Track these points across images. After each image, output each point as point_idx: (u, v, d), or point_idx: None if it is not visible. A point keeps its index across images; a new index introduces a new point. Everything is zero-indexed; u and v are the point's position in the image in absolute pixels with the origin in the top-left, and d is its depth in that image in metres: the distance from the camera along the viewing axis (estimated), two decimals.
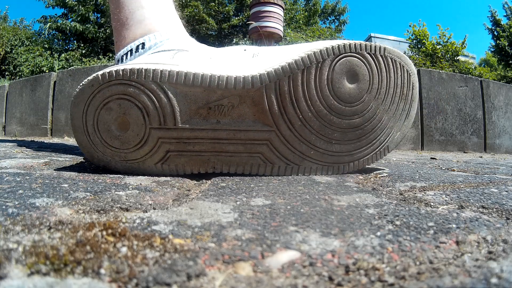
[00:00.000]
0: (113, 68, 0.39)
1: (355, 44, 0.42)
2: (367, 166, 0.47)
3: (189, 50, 0.45)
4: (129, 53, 0.50)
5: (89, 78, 0.39)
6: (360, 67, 0.42)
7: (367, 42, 0.44)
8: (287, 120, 0.40)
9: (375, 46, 0.43)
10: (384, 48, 0.43)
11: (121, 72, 0.38)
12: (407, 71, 0.45)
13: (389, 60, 0.44)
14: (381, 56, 0.43)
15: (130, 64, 0.41)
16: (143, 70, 0.37)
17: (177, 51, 0.45)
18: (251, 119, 0.40)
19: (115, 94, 0.38)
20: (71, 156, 0.63)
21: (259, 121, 0.40)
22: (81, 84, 0.40)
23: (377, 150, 0.46)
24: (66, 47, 5.58)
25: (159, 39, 0.50)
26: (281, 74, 0.39)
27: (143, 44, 0.50)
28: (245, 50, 0.45)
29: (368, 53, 0.42)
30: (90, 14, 5.20)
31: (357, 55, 0.42)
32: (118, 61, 0.52)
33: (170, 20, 0.55)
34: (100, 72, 0.39)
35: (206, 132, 0.39)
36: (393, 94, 0.44)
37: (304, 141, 0.42)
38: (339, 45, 0.41)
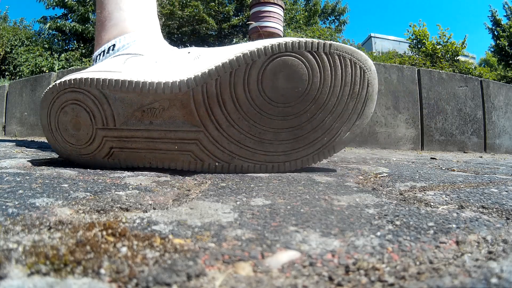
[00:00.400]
0: (67, 78, 0.44)
1: (292, 43, 0.40)
2: (309, 166, 0.46)
3: (143, 55, 0.49)
4: (102, 53, 0.54)
5: (50, 86, 0.46)
6: (296, 66, 0.41)
7: (309, 40, 0.41)
8: (214, 121, 0.42)
9: (318, 43, 0.41)
10: (330, 45, 0.41)
11: (72, 81, 0.44)
12: (360, 67, 0.43)
13: (336, 57, 0.41)
14: (325, 53, 0.41)
15: (82, 73, 0.46)
16: (89, 79, 0.43)
17: (131, 56, 0.49)
18: (180, 120, 0.42)
19: (69, 100, 0.45)
20: None
21: (187, 122, 0.42)
22: (45, 90, 0.46)
23: (319, 150, 0.45)
24: (66, 47, 5.58)
25: (127, 41, 0.52)
26: (207, 78, 0.40)
27: (114, 45, 0.53)
28: (189, 52, 0.47)
29: (309, 52, 0.41)
30: (89, 14, 5.20)
31: (294, 53, 0.40)
32: (94, 60, 0.56)
33: (144, 22, 0.57)
34: (58, 81, 0.45)
35: (141, 132, 0.43)
36: (341, 94, 0.43)
37: (233, 141, 0.43)
38: (272, 44, 0.40)
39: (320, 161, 0.46)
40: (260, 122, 0.42)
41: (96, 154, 0.46)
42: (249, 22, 2.91)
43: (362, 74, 0.43)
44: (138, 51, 0.50)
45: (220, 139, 0.42)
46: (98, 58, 0.54)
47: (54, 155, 0.62)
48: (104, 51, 0.53)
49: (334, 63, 0.42)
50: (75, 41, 5.62)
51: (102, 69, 0.46)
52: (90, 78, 0.43)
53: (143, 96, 0.42)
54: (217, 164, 0.44)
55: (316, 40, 0.41)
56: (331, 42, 0.42)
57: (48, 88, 0.46)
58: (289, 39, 0.41)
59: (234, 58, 0.40)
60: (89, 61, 4.49)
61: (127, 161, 0.45)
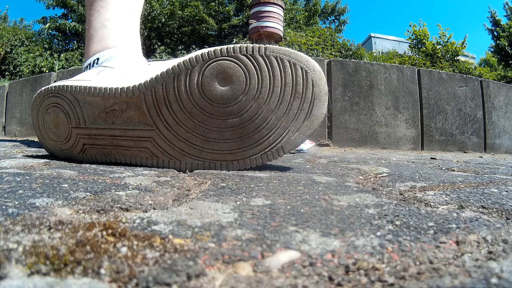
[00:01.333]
0: (52, 84, 0.53)
1: (227, 48, 0.44)
2: (258, 165, 0.47)
3: (114, 68, 0.56)
4: (88, 66, 0.61)
5: (38, 91, 0.54)
6: (233, 69, 0.44)
7: (244, 45, 0.44)
8: (163, 120, 0.47)
9: (253, 47, 0.43)
10: (265, 48, 0.44)
11: (54, 88, 0.52)
12: (301, 68, 0.44)
13: (273, 59, 0.44)
14: (261, 56, 0.44)
15: (63, 81, 0.53)
16: (65, 86, 0.51)
17: (103, 69, 0.56)
18: (136, 120, 0.48)
19: (51, 103, 0.52)
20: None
21: (142, 122, 0.48)
22: (35, 94, 0.54)
23: (267, 150, 0.46)
24: (66, 47, 5.58)
25: (109, 55, 0.60)
26: (154, 83, 0.46)
27: (98, 59, 0.60)
28: (149, 64, 0.55)
29: (244, 55, 0.44)
30: None
31: (229, 58, 0.44)
32: (83, 71, 0.63)
33: (125, 39, 0.64)
34: (44, 88, 0.53)
35: (105, 130, 0.49)
36: (282, 93, 0.44)
37: (181, 139, 0.47)
38: (209, 51, 0.44)
39: (269, 160, 0.47)
40: (203, 121, 0.46)
41: (73, 150, 0.52)
42: (250, 22, 2.91)
43: (304, 74, 0.44)
44: (113, 65, 0.57)
45: (170, 137, 0.47)
46: (86, 69, 0.62)
47: (54, 156, 0.62)
48: (90, 64, 0.61)
49: (271, 65, 0.44)
50: (75, 41, 5.62)
51: (78, 78, 0.54)
52: (66, 85, 0.51)
53: (106, 100, 0.48)
54: (169, 160, 0.48)
55: (251, 45, 0.44)
56: (267, 45, 0.44)
57: (36, 93, 0.54)
58: (226, 46, 0.45)
59: (176, 64, 0.45)
60: None
61: (97, 156, 0.51)
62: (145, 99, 0.46)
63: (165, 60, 0.59)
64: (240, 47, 0.44)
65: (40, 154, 0.63)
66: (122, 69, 0.55)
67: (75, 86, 0.50)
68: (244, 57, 0.44)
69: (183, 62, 0.45)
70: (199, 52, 0.45)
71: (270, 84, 0.44)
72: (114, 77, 0.52)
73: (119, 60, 0.59)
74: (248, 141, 0.46)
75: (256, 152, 0.46)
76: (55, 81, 1.95)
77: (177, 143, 0.47)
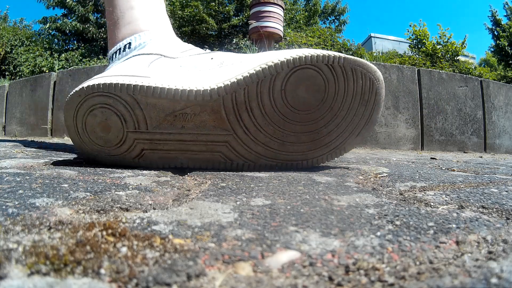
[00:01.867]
0: (95, 82, 0.45)
1: (311, 56, 0.43)
2: (322, 163, 0.50)
3: (164, 55, 0.50)
4: (118, 51, 0.55)
5: (77, 89, 0.45)
6: (315, 78, 0.44)
7: (326, 53, 0.44)
8: (243, 125, 0.45)
9: (333, 57, 0.44)
10: (344, 58, 0.44)
11: (101, 86, 0.44)
12: (369, 78, 0.46)
13: (348, 69, 0.45)
14: (339, 66, 0.44)
15: (108, 76, 0.46)
16: (119, 85, 0.44)
17: (153, 57, 0.50)
18: (211, 125, 0.45)
19: (98, 103, 0.45)
20: (71, 156, 0.63)
21: (218, 127, 0.45)
22: (71, 93, 0.46)
23: (332, 151, 0.49)
24: (66, 47, 5.58)
25: (143, 40, 0.54)
26: (236, 87, 0.43)
27: (130, 43, 0.54)
28: (212, 58, 0.49)
29: (326, 64, 0.44)
30: (89, 14, 5.20)
31: (313, 66, 0.44)
32: (110, 58, 0.57)
33: (156, 21, 0.59)
34: (85, 84, 0.45)
35: (173, 135, 0.45)
36: (352, 101, 0.47)
37: (259, 143, 0.46)
38: (294, 58, 0.43)
39: (332, 159, 0.50)
40: (283, 126, 0.46)
41: (127, 155, 0.47)
42: (250, 22, 2.91)
43: (371, 84, 0.47)
44: (157, 50, 0.51)
45: (248, 142, 0.46)
46: (114, 56, 0.56)
47: (54, 155, 0.62)
48: (120, 49, 0.55)
49: (347, 75, 0.45)
50: (75, 41, 5.62)
51: (128, 73, 0.47)
52: (121, 84, 0.44)
53: (175, 103, 0.43)
54: (244, 164, 0.47)
55: (332, 54, 0.43)
56: (345, 56, 0.45)
57: (74, 91, 0.46)
58: (308, 52, 0.43)
59: (261, 69, 0.43)
60: (89, 61, 4.49)
61: (158, 161, 0.47)
62: (224, 104, 0.43)
63: (226, 52, 0.51)
64: (323, 56, 0.43)
65: (40, 154, 0.63)
66: (179, 61, 0.49)
67: (133, 85, 0.43)
68: (325, 66, 0.44)
69: (268, 67, 0.43)
70: (282, 57, 0.43)
71: (344, 93, 0.46)
72: (175, 72, 0.46)
73: (161, 45, 0.53)
74: (319, 144, 0.48)
75: (323, 153, 0.49)
76: (60, 76, 1.96)
77: (254, 147, 0.46)
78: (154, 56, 0.50)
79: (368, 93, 0.47)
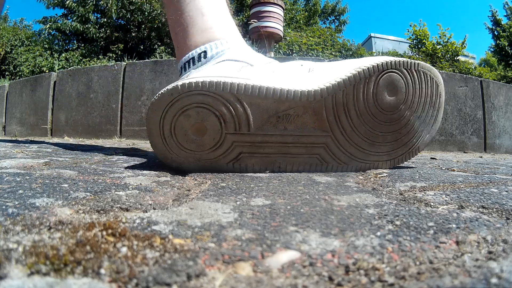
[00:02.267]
0: (192, 80, 0.43)
1: (395, 62, 0.48)
2: (401, 163, 0.54)
3: (253, 65, 0.50)
4: (191, 61, 0.53)
5: (169, 87, 0.43)
6: (398, 81, 0.48)
7: (404, 59, 0.49)
8: (340, 126, 0.47)
9: (411, 63, 0.48)
10: (418, 64, 0.49)
11: (200, 84, 0.42)
12: (435, 82, 0.51)
13: (421, 73, 0.49)
14: (415, 70, 0.49)
15: (205, 76, 0.45)
16: (221, 83, 0.43)
17: (242, 65, 0.49)
18: (311, 126, 0.46)
19: (194, 103, 0.43)
20: (71, 156, 0.63)
21: (318, 128, 0.47)
22: (159, 92, 0.43)
23: (410, 150, 0.53)
24: (66, 47, 5.58)
25: (221, 49, 0.53)
26: (337, 89, 0.45)
27: (205, 52, 0.53)
28: (301, 65, 0.51)
29: (405, 69, 0.48)
30: (89, 14, 5.20)
31: (396, 71, 0.48)
32: (181, 68, 0.55)
33: (229, 28, 0.57)
34: (180, 83, 0.43)
35: (275, 137, 0.46)
36: (424, 103, 0.51)
37: (353, 144, 0.49)
38: (382, 63, 0.47)
39: (409, 159, 0.54)
40: (373, 127, 0.49)
41: (220, 160, 0.45)
42: (250, 22, 2.91)
43: (436, 87, 0.52)
44: (242, 58, 0.51)
45: (343, 143, 0.48)
46: (188, 65, 0.54)
47: (54, 155, 0.62)
48: (194, 58, 0.53)
49: (420, 78, 0.50)
50: (75, 41, 5.62)
51: (225, 74, 0.46)
52: (223, 82, 0.43)
53: (280, 103, 0.44)
54: (338, 165, 0.49)
55: (409, 60, 0.49)
56: (419, 61, 0.50)
57: (165, 89, 0.43)
58: (391, 59, 0.48)
59: (357, 72, 0.46)
60: (89, 61, 4.49)
61: (255, 165, 0.46)
62: (325, 105, 0.45)
63: (310, 61, 0.54)
64: (403, 62, 0.48)
65: (40, 154, 0.63)
66: (269, 67, 0.49)
67: (238, 84, 0.42)
68: (405, 70, 0.48)
69: (363, 70, 0.46)
70: (373, 62, 0.47)
71: (419, 95, 0.50)
72: (271, 76, 0.47)
73: (241, 53, 0.52)
74: (401, 143, 0.51)
75: (403, 152, 0.52)
76: (60, 76, 1.96)
77: (348, 148, 0.48)
78: (242, 63, 0.50)
79: (435, 95, 0.52)
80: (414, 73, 0.49)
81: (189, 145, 0.45)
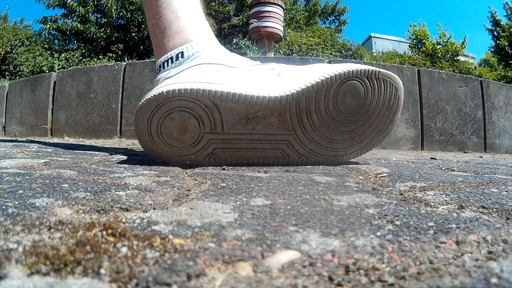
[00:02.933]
0: (176, 87, 0.49)
1: (357, 70, 0.52)
2: (357, 156, 0.60)
3: (228, 66, 0.55)
4: (169, 60, 0.58)
5: (155, 93, 0.49)
6: (359, 88, 0.53)
7: (367, 68, 0.52)
8: (302, 127, 0.53)
9: (372, 71, 0.52)
10: (379, 72, 0.53)
11: (183, 91, 0.48)
12: (395, 87, 0.56)
13: (381, 80, 0.54)
14: (375, 78, 0.53)
15: (186, 82, 0.51)
16: (201, 90, 0.49)
17: (219, 68, 0.54)
18: (276, 126, 0.53)
19: (177, 107, 0.49)
20: (71, 156, 0.63)
21: (282, 127, 0.53)
22: (146, 97, 0.49)
23: (364, 146, 0.59)
24: (66, 47, 5.58)
25: (196, 50, 0.57)
26: (300, 95, 0.51)
27: (182, 53, 0.57)
28: (272, 69, 0.56)
29: (366, 77, 0.53)
30: (90, 14, 5.20)
31: (357, 79, 0.52)
32: (160, 66, 0.59)
33: (203, 30, 0.61)
34: (164, 89, 0.49)
35: (245, 135, 0.52)
36: (381, 106, 0.56)
37: (312, 141, 0.55)
38: (345, 71, 0.51)
39: (363, 154, 0.61)
40: (332, 127, 0.55)
41: (198, 155, 0.52)
42: (250, 22, 2.91)
43: (395, 92, 0.56)
44: (218, 60, 0.56)
45: (304, 140, 0.54)
46: (166, 64, 0.58)
47: (54, 155, 0.62)
48: (171, 58, 0.58)
49: (380, 85, 0.54)
50: (75, 41, 5.62)
51: (203, 79, 0.51)
52: (202, 90, 0.49)
53: (249, 107, 0.50)
54: (298, 159, 0.55)
55: (371, 69, 0.52)
56: (380, 70, 0.53)
57: (151, 95, 0.49)
58: (354, 67, 0.52)
59: (320, 80, 0.51)
60: (89, 61, 4.49)
61: (227, 159, 0.53)
62: (289, 109, 0.51)
63: (280, 64, 0.58)
64: (365, 70, 0.52)
65: (40, 154, 0.63)
66: (243, 71, 0.54)
67: (215, 91, 0.48)
68: (366, 78, 0.53)
69: (326, 79, 0.51)
70: (336, 71, 0.51)
71: (376, 100, 0.55)
72: (244, 80, 0.52)
73: (216, 55, 0.57)
74: (356, 141, 0.57)
75: (358, 148, 0.59)
76: (60, 76, 1.96)
77: (308, 145, 0.55)
78: (218, 65, 0.55)
79: (393, 99, 0.56)
80: (375, 80, 0.53)
81: (172, 142, 0.51)
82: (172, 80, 0.53)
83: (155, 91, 0.49)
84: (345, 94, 0.53)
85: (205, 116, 0.50)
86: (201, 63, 0.55)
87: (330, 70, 0.52)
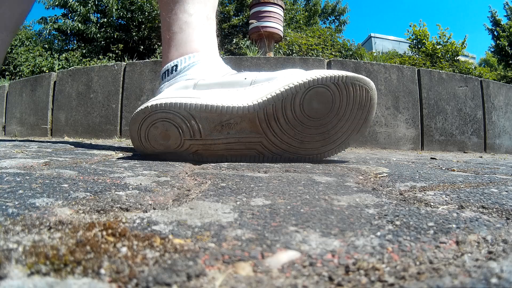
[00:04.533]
0: (158, 102, 0.57)
1: (322, 78, 0.55)
2: (332, 155, 0.63)
3: (205, 79, 0.61)
4: (166, 73, 0.64)
5: (142, 107, 0.57)
6: (324, 93, 0.56)
7: (332, 74, 0.54)
8: (272, 130, 0.58)
9: (338, 77, 0.55)
10: (346, 76, 0.55)
11: (163, 105, 0.56)
12: (365, 89, 0.57)
13: (349, 84, 0.56)
14: (343, 83, 0.56)
15: (167, 97, 0.58)
16: (178, 104, 0.56)
17: (198, 82, 0.61)
18: (248, 130, 0.58)
19: (160, 118, 0.57)
20: (71, 156, 0.63)
21: (254, 131, 0.58)
22: (136, 110, 0.58)
23: (338, 145, 0.62)
24: (66, 47, 5.58)
25: (188, 63, 0.63)
26: (267, 103, 0.56)
27: (176, 66, 0.63)
28: (245, 78, 0.61)
29: (332, 83, 0.55)
30: (90, 15, 5.20)
31: (323, 85, 0.56)
32: (161, 77, 0.66)
33: (201, 44, 0.65)
34: (149, 104, 0.57)
35: (221, 140, 0.58)
36: (352, 108, 0.58)
37: (284, 142, 0.60)
38: (309, 80, 0.55)
39: (339, 152, 0.63)
40: (301, 130, 0.59)
41: (183, 153, 0.60)
42: (250, 22, 2.91)
43: (366, 93, 0.57)
44: (199, 75, 0.62)
45: (275, 141, 0.59)
46: (164, 76, 0.65)
47: (54, 155, 0.62)
48: (168, 70, 0.64)
49: (348, 89, 0.56)
50: (75, 41, 5.62)
51: (181, 95, 0.59)
52: (179, 103, 0.56)
53: (222, 115, 0.56)
54: (273, 156, 0.61)
55: (337, 74, 0.54)
56: (347, 74, 0.55)
57: (139, 109, 0.57)
58: (319, 75, 0.54)
59: (284, 90, 0.55)
60: (89, 61, 4.50)
61: (209, 157, 0.60)
62: (258, 116, 0.56)
63: (255, 72, 0.63)
64: (330, 77, 0.54)
65: (40, 154, 0.63)
66: (219, 81, 0.60)
67: (189, 104, 0.55)
68: (332, 84, 0.55)
69: (290, 88, 0.55)
70: (300, 80, 0.55)
71: (346, 102, 0.57)
72: (218, 92, 0.58)
73: (203, 70, 0.62)
74: (329, 141, 0.61)
75: (332, 147, 0.62)
76: (60, 76, 1.95)
77: (280, 145, 0.60)
78: (199, 80, 0.61)
79: (365, 100, 0.58)
80: (342, 85, 0.55)
81: (159, 146, 0.59)
82: (159, 96, 0.61)
83: (143, 105, 0.57)
84: (311, 101, 0.56)
85: (184, 125, 0.57)
86: (187, 79, 0.62)
87: (296, 78, 0.55)
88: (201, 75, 0.62)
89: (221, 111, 0.55)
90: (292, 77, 0.56)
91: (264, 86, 0.58)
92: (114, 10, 4.88)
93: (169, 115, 0.56)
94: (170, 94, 0.60)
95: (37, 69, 4.42)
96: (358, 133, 0.61)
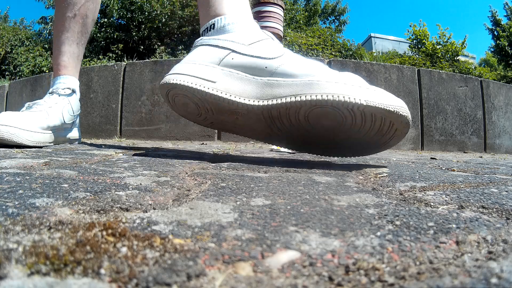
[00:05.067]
0: (177, 80, 0.61)
1: (333, 100, 0.49)
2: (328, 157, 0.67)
3: (235, 51, 0.62)
4: (206, 30, 0.68)
5: (165, 81, 0.62)
6: (335, 114, 0.51)
7: (348, 99, 0.47)
8: (275, 128, 0.60)
9: (354, 104, 0.48)
10: (365, 106, 0.47)
11: (180, 86, 0.60)
12: (390, 121, 0.51)
13: (368, 114, 0.49)
14: (359, 111, 0.49)
15: (188, 75, 0.61)
16: (192, 88, 0.59)
17: (224, 56, 0.62)
18: (254, 120, 0.60)
19: (179, 93, 0.63)
20: (71, 156, 0.63)
21: (259, 123, 0.61)
22: (161, 81, 0.63)
23: (344, 154, 0.64)
24: None
25: (223, 23, 0.66)
26: (270, 108, 0.56)
27: (214, 25, 0.66)
28: (266, 67, 0.60)
29: (346, 108, 0.50)
30: None
31: (332, 107, 0.51)
32: (202, 33, 0.70)
33: (236, 5, 0.69)
34: (171, 81, 0.61)
35: (230, 122, 0.64)
36: (368, 133, 0.53)
37: (288, 138, 0.63)
38: (318, 99, 0.50)
39: (344, 158, 0.67)
40: (306, 134, 0.59)
41: (202, 122, 0.68)
42: None
43: (391, 125, 0.50)
44: (229, 45, 0.63)
45: (280, 134, 0.62)
46: (203, 33, 0.69)
47: (54, 155, 0.62)
48: (207, 28, 0.68)
49: (366, 117, 0.49)
50: None
51: (201, 75, 0.61)
52: (193, 88, 0.59)
53: (230, 105, 0.59)
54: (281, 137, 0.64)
55: (353, 101, 0.47)
56: (367, 103, 0.46)
57: (163, 81, 0.62)
58: (331, 96, 0.49)
59: (289, 101, 0.53)
60: (89, 61, 4.49)
61: (221, 130, 0.72)
62: (262, 114, 0.59)
63: (284, 58, 0.62)
64: (344, 102, 0.48)
65: (40, 154, 0.63)
66: (243, 54, 0.62)
67: (201, 91, 0.59)
68: (345, 110, 0.49)
69: (295, 102, 0.52)
70: (309, 96, 0.51)
71: (360, 128, 0.51)
72: (234, 80, 0.60)
73: (234, 33, 0.64)
74: (335, 150, 0.62)
75: (337, 154, 0.64)
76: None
77: (285, 139, 0.64)
78: (226, 51, 0.62)
79: (387, 129, 0.51)
80: (358, 113, 0.49)
81: (183, 112, 0.68)
82: (184, 62, 0.65)
83: (166, 78, 0.62)
84: (318, 117, 0.53)
85: (200, 103, 0.62)
86: (219, 46, 0.64)
87: (310, 91, 0.51)
88: (234, 40, 0.64)
89: (228, 103, 0.58)
90: (308, 88, 0.52)
91: (277, 85, 0.57)
92: (114, 10, 4.88)
93: (187, 93, 0.61)
94: (192, 68, 0.62)
95: (37, 69, 4.42)
96: (371, 152, 0.60)
